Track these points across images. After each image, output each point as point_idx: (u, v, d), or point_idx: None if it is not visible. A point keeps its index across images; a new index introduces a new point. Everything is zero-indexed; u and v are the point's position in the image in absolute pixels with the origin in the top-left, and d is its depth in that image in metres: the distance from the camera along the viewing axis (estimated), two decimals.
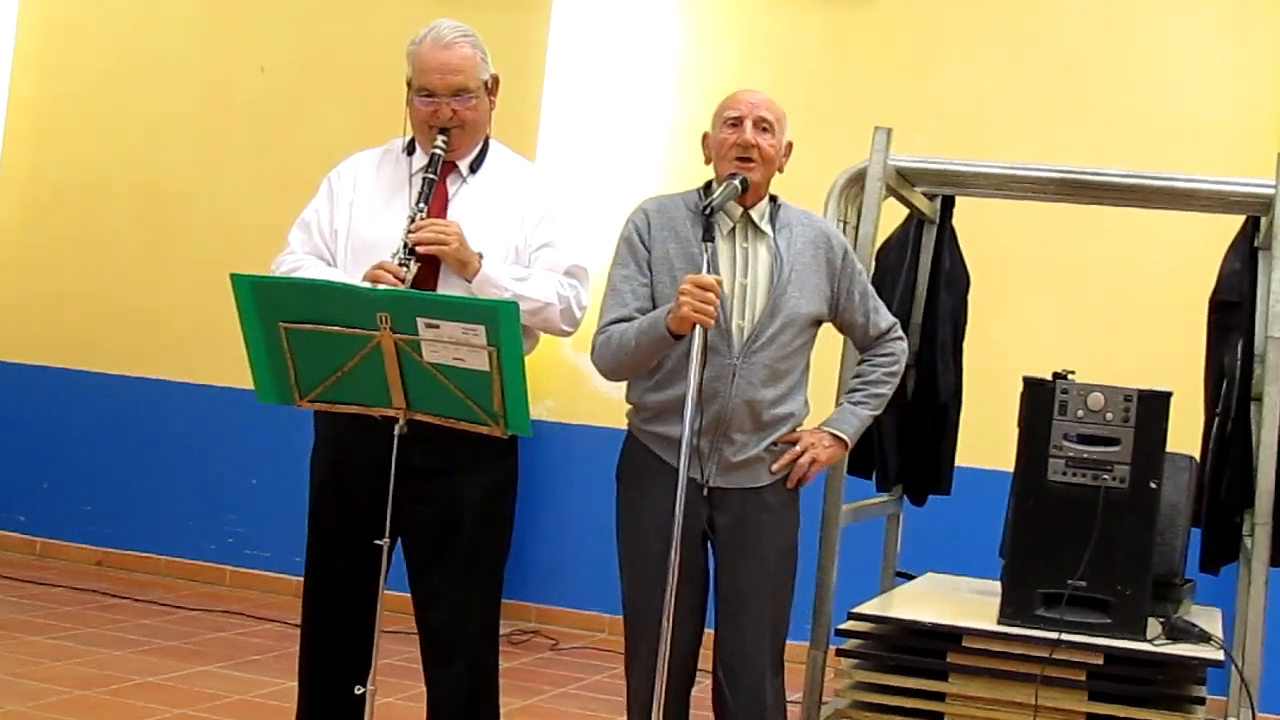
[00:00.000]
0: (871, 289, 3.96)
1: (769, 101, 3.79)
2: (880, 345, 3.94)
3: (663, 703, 3.44)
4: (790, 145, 3.84)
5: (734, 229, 3.75)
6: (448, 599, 3.76)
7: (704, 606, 3.80)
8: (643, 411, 3.78)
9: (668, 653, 3.43)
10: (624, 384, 3.83)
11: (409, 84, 3.77)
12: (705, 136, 3.85)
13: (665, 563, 3.46)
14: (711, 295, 3.47)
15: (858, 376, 3.95)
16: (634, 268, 3.76)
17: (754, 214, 3.77)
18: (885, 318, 3.96)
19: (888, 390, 3.93)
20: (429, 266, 3.63)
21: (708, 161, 3.83)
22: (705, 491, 3.70)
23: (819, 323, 3.85)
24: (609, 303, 3.76)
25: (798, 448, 3.77)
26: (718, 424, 3.68)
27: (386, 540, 3.50)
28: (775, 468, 3.75)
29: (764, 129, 3.74)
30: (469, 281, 3.64)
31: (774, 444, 3.75)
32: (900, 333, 3.99)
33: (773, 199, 3.83)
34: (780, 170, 3.82)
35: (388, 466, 3.45)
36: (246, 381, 3.47)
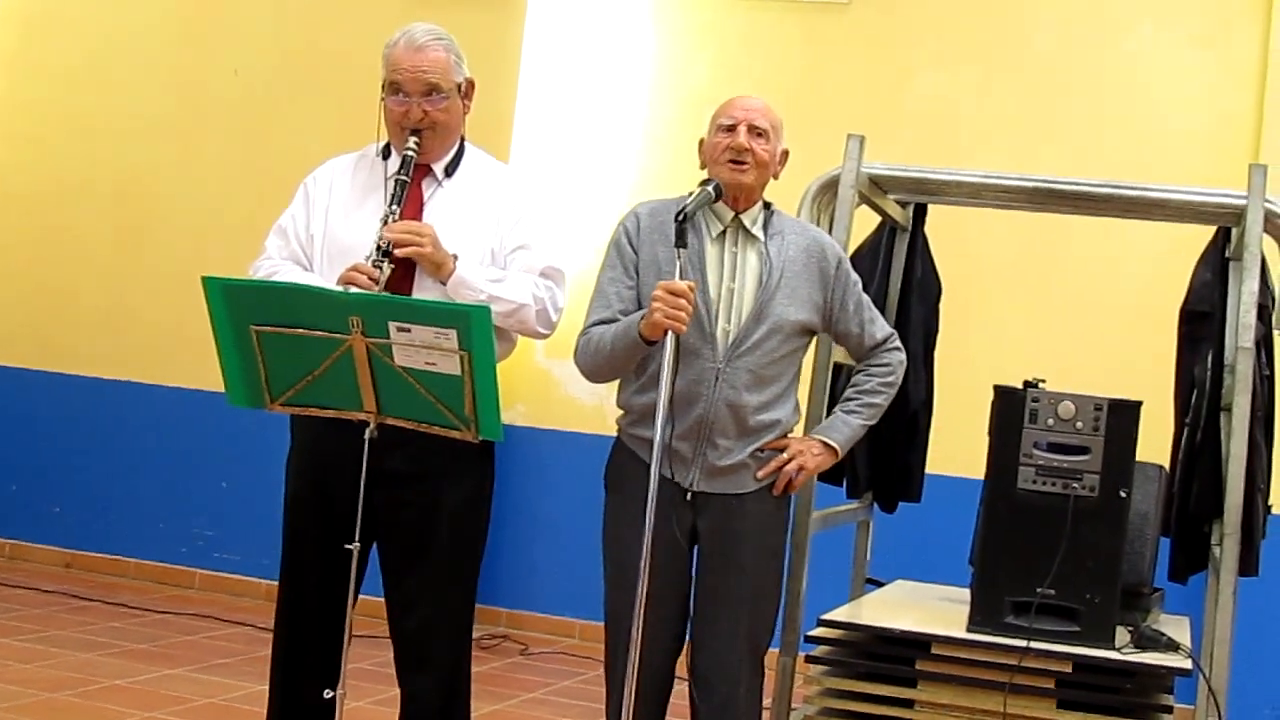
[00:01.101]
0: (867, 299, 3.93)
1: (765, 109, 3.78)
2: (876, 355, 3.92)
3: (633, 709, 3.43)
4: (786, 153, 3.83)
5: (724, 232, 3.75)
6: (422, 605, 3.75)
7: (686, 614, 3.77)
8: (630, 414, 3.78)
9: (638, 659, 3.41)
10: (596, 390, 3.83)
11: (384, 86, 3.77)
12: (701, 142, 3.84)
13: (648, 569, 3.45)
14: (683, 301, 3.46)
15: (853, 386, 3.93)
16: (620, 270, 3.76)
17: (745, 219, 3.76)
18: (881, 328, 3.94)
19: (883, 401, 3.91)
20: (403, 268, 3.62)
21: (702, 166, 3.82)
22: (689, 496, 3.69)
23: (810, 332, 3.83)
24: (594, 304, 3.77)
25: (785, 454, 3.76)
26: (700, 427, 3.67)
27: (358, 544, 3.48)
28: (761, 474, 3.74)
29: (758, 134, 3.73)
30: (444, 284, 3.64)
31: (760, 450, 3.74)
32: (898, 343, 3.97)
33: (766, 205, 3.83)
34: (775, 177, 3.81)
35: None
36: (217, 384, 3.45)
